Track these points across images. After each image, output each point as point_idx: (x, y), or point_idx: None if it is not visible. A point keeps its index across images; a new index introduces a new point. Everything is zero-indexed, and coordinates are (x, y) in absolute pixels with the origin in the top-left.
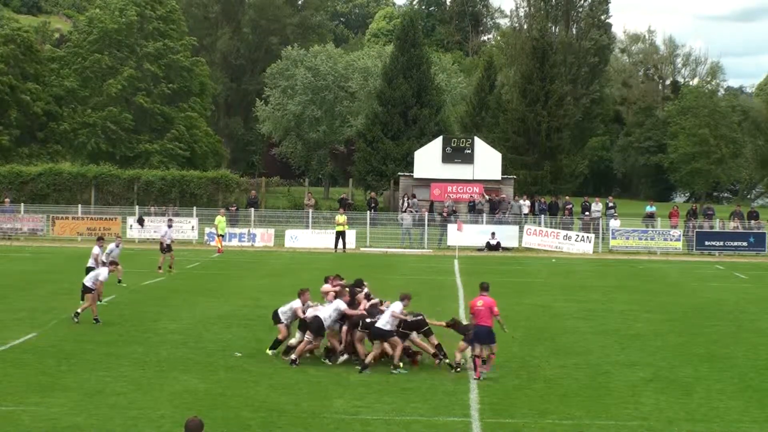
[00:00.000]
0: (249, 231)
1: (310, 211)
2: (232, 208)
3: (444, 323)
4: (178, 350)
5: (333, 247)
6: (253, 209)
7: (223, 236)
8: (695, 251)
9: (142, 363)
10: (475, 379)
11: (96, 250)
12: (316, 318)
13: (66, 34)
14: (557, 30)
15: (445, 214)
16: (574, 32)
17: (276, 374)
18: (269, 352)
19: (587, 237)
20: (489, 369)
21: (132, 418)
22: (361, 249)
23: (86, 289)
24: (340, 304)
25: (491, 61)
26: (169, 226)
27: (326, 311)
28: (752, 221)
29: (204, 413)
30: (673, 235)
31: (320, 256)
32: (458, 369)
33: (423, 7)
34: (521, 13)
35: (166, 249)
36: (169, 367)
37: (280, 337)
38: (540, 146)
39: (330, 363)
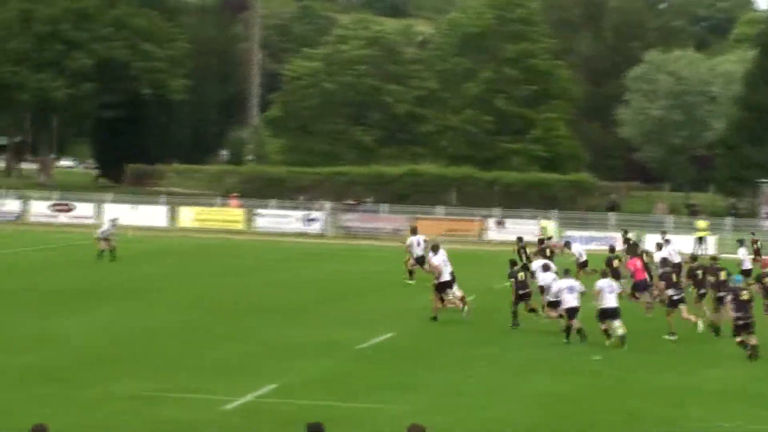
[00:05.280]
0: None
1: (666, 217)
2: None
3: None
4: (535, 351)
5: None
6: (612, 213)
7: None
8: None
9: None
10: None
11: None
12: None
13: (428, 37)
14: None
15: None
16: None
17: (637, 382)
18: None
19: None
20: None
21: (486, 419)
22: (722, 255)
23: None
24: None
25: None
26: (567, 245)
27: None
28: None
29: (561, 418)
30: None
31: None
32: None
33: None
34: None
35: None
36: (522, 368)
37: None
38: None
39: None
